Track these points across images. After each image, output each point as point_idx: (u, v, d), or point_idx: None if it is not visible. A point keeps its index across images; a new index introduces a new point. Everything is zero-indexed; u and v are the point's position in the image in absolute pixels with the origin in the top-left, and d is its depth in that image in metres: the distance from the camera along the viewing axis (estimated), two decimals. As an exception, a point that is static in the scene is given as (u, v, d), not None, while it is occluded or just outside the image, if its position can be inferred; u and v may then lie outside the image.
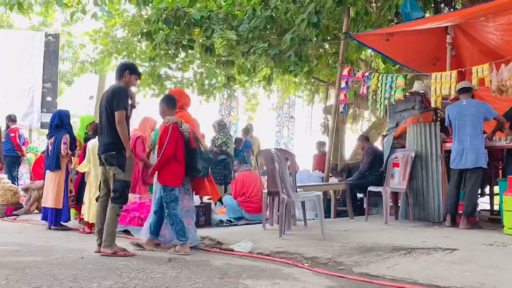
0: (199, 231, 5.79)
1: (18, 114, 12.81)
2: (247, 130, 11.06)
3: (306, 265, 4.10)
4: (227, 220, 6.90)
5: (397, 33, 7.28)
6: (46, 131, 7.84)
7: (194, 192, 5.31)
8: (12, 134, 10.23)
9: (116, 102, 4.61)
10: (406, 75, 7.05)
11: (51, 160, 6.82)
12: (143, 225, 6.25)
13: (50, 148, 6.88)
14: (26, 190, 9.18)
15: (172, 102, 5.12)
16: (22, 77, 14.26)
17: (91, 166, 6.36)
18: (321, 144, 11.34)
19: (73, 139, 6.95)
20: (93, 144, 6.32)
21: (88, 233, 6.44)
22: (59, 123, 6.93)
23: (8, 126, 10.38)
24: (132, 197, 7.29)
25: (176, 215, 4.79)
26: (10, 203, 8.78)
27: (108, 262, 4.16)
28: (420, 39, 7.45)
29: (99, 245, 4.66)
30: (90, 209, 6.29)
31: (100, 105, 4.82)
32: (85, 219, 6.45)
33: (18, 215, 8.55)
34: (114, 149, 4.61)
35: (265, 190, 6.20)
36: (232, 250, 4.80)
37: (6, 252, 4.76)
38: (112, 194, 4.63)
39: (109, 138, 4.67)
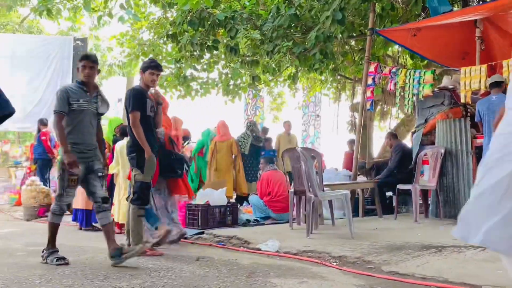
0: (226, 231, 5.84)
1: (49, 118, 13.12)
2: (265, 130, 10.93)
3: (334, 264, 4.06)
4: (254, 219, 6.91)
5: (424, 27, 7.15)
6: None
7: (171, 192, 5.41)
8: (44, 138, 10.48)
9: (128, 104, 4.69)
10: (435, 70, 6.93)
11: None
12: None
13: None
14: (57, 191, 9.39)
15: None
16: (53, 82, 14.58)
17: (119, 168, 6.46)
18: (352, 143, 11.22)
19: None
20: (121, 145, 6.42)
21: (117, 233, 6.54)
22: None
23: (39, 130, 10.64)
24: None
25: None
26: (43, 205, 9.00)
27: (137, 262, 4.22)
28: (448, 33, 7.30)
29: (128, 245, 4.73)
30: (119, 210, 6.38)
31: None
32: (115, 220, 6.55)
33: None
34: (134, 150, 4.67)
35: (291, 190, 6.19)
36: (259, 249, 4.80)
37: (39, 252, 4.87)
38: (131, 196, 4.72)
39: (130, 140, 4.77)
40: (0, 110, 1.02)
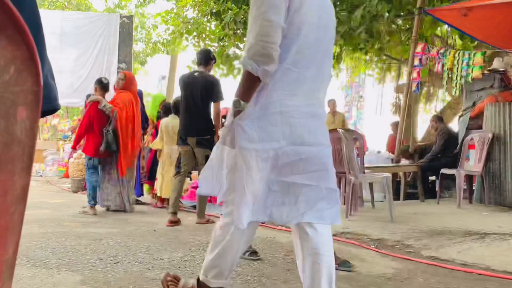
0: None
1: (96, 94, 13.47)
2: None
3: (373, 246, 4.05)
4: (293, 199, 6.93)
5: (476, 7, 6.86)
6: None
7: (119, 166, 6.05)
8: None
9: (216, 94, 5.11)
10: (485, 52, 6.68)
11: None
12: (211, 201, 6.45)
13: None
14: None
15: (101, 85, 6.25)
16: (100, 58, 14.95)
17: (163, 144, 6.61)
18: (395, 125, 11.00)
19: (145, 118, 7.23)
20: (166, 122, 6.54)
21: (160, 207, 6.73)
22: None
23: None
24: (201, 174, 7.50)
25: (88, 181, 5.96)
26: (90, 178, 9.31)
27: (178, 236, 4.34)
28: (501, 13, 6.97)
29: (175, 213, 5.15)
30: (162, 185, 6.54)
31: (189, 89, 5.14)
32: (158, 194, 6.73)
33: (96, 189, 9.06)
34: (209, 133, 5.08)
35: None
36: (298, 229, 4.82)
37: (86, 223, 5.09)
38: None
39: (203, 124, 5.11)
40: (48, 103, 1.02)
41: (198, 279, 2.28)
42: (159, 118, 7.35)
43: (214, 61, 5.38)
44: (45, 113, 1.09)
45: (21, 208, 0.46)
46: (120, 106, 6.05)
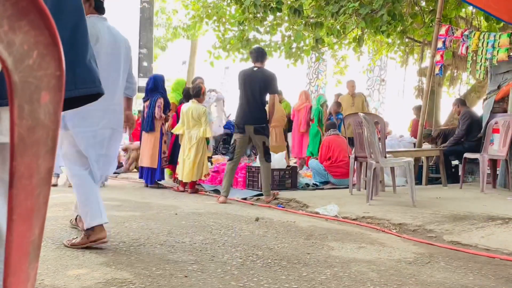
0: (285, 193, 5.94)
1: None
2: None
3: (394, 231, 4.03)
4: (313, 184, 6.94)
5: (502, -13, 6.68)
6: (143, 94, 8.33)
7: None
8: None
9: (273, 87, 5.84)
10: (511, 33, 6.49)
11: (146, 122, 7.21)
12: (232, 185, 6.50)
13: (145, 110, 7.26)
14: (125, 150, 9.83)
15: None
16: (121, 43, 15.01)
17: (185, 129, 6.65)
18: (418, 109, 10.83)
19: (167, 103, 7.28)
20: (186, 107, 6.58)
21: (181, 191, 6.80)
22: (154, 87, 7.26)
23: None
24: (222, 159, 7.56)
25: None
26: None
27: (199, 219, 4.39)
28: (529, -8, 6.78)
29: (225, 196, 5.79)
30: (183, 169, 6.60)
31: (249, 82, 5.78)
32: (179, 178, 6.80)
33: (118, 173, 9.22)
34: (264, 122, 5.79)
35: (352, 155, 6.13)
36: (318, 213, 4.84)
37: (109, 206, 5.17)
38: (265, 156, 5.79)
39: (260, 113, 5.81)
40: (93, 87, 1.01)
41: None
42: (181, 102, 7.39)
43: (267, 57, 6.19)
44: (91, 97, 1.10)
45: (46, 190, 0.47)
46: None
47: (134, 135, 10.71)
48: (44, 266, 2.69)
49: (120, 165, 9.57)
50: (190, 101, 6.64)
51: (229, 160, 5.98)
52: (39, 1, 0.43)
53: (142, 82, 15.09)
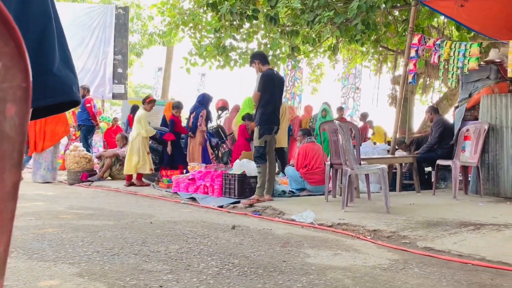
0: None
1: (91, 86, 13.44)
2: None
3: (369, 237, 4.06)
4: (289, 191, 6.95)
5: (472, -2, 6.85)
6: (118, 101, 8.71)
7: None
8: (88, 105, 10.75)
9: (283, 88, 6.70)
10: (481, 43, 6.67)
11: (192, 129, 8.87)
12: (208, 193, 6.46)
13: (191, 120, 8.82)
14: (99, 157, 9.69)
15: None
16: (95, 50, 14.86)
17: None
18: (364, 116, 11.62)
19: (207, 116, 8.99)
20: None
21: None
22: (201, 102, 8.89)
23: (83, 96, 10.91)
24: (197, 167, 7.52)
25: None
26: (85, 170, 9.32)
27: (175, 228, 4.35)
28: (497, 4, 6.97)
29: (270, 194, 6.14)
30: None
31: (275, 84, 6.11)
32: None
33: (92, 181, 9.07)
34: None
35: (328, 162, 6.17)
36: (294, 220, 4.85)
37: (82, 215, 5.09)
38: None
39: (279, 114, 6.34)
40: (61, 95, 0.97)
41: None
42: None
43: None
44: (66, 105, 1.05)
45: (11, 205, 0.46)
46: None
47: (109, 142, 10.57)
48: (14, 277, 2.62)
49: (94, 173, 9.42)
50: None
51: (261, 164, 5.97)
52: (3, 10, 0.42)
53: (117, 89, 14.94)
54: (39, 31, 0.97)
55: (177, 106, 9.07)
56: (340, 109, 12.07)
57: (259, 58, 6.22)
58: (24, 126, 0.45)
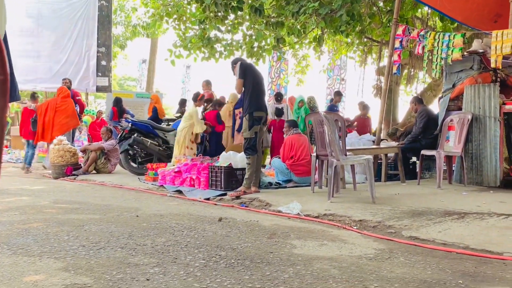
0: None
1: (75, 79, 13.27)
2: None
3: (355, 228, 4.10)
4: (275, 182, 6.96)
5: (455, -12, 6.90)
6: (102, 94, 8.53)
7: None
8: (78, 97, 10.66)
9: None
10: (465, 33, 6.71)
11: (240, 125, 8.54)
12: (195, 185, 6.44)
13: (239, 116, 8.81)
14: (84, 151, 9.60)
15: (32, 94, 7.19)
16: (78, 42, 14.66)
17: None
18: (364, 107, 11.23)
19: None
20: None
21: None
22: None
23: (68, 88, 10.76)
24: (183, 159, 7.49)
25: None
26: (70, 164, 9.24)
27: (161, 221, 4.33)
28: (481, -6, 7.04)
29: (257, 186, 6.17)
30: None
31: (258, 73, 6.26)
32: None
33: (77, 175, 8.99)
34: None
35: (314, 153, 6.19)
36: (281, 212, 4.86)
37: (67, 209, 5.04)
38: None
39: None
40: (15, 96, 0.99)
41: None
42: None
43: None
44: None
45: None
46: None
47: (93, 135, 10.46)
48: (-2, 273, 2.59)
49: (79, 167, 9.34)
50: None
51: (251, 155, 5.98)
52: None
53: (101, 81, 14.78)
54: (4, 32, 0.95)
55: (219, 104, 9.53)
56: (364, 107, 11.32)
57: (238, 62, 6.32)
58: (2, 118, 0.44)
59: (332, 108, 10.98)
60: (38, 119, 10.14)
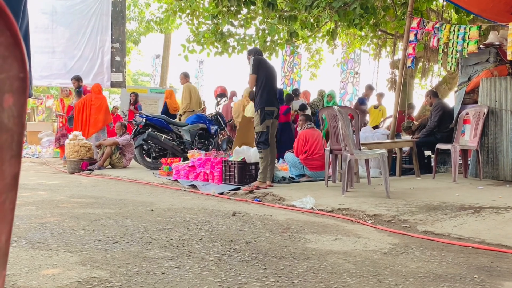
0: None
1: (89, 74, 13.37)
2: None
3: (369, 222, 4.08)
4: (289, 177, 6.97)
5: (471, -20, 6.80)
6: (116, 90, 8.50)
7: None
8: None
9: None
10: (481, 25, 6.62)
11: None
12: (208, 180, 6.47)
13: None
14: (99, 146, 9.69)
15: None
16: (93, 38, 14.76)
17: None
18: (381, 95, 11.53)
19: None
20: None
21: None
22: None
23: (79, 86, 10.87)
24: (197, 154, 7.52)
25: None
26: (85, 159, 9.34)
27: (176, 215, 4.36)
28: (497, -15, 6.93)
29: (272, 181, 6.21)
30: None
31: (271, 67, 6.28)
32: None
33: (92, 170, 9.09)
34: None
35: (327, 148, 6.18)
36: (294, 206, 4.87)
37: (83, 204, 5.10)
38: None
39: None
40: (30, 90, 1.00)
41: None
42: None
43: None
44: None
45: (12, 196, 0.46)
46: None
47: (109, 131, 10.55)
48: (17, 266, 2.63)
49: (94, 162, 9.43)
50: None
51: (264, 149, 6.04)
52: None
53: (116, 77, 14.88)
54: (25, 26, 0.96)
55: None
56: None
57: (253, 53, 6.37)
58: (23, 116, 0.45)
59: (363, 101, 11.11)
60: (75, 117, 10.28)
